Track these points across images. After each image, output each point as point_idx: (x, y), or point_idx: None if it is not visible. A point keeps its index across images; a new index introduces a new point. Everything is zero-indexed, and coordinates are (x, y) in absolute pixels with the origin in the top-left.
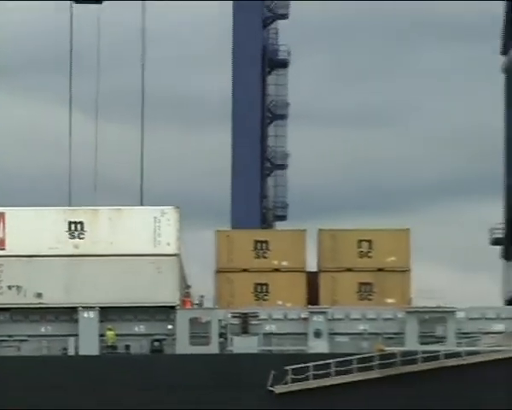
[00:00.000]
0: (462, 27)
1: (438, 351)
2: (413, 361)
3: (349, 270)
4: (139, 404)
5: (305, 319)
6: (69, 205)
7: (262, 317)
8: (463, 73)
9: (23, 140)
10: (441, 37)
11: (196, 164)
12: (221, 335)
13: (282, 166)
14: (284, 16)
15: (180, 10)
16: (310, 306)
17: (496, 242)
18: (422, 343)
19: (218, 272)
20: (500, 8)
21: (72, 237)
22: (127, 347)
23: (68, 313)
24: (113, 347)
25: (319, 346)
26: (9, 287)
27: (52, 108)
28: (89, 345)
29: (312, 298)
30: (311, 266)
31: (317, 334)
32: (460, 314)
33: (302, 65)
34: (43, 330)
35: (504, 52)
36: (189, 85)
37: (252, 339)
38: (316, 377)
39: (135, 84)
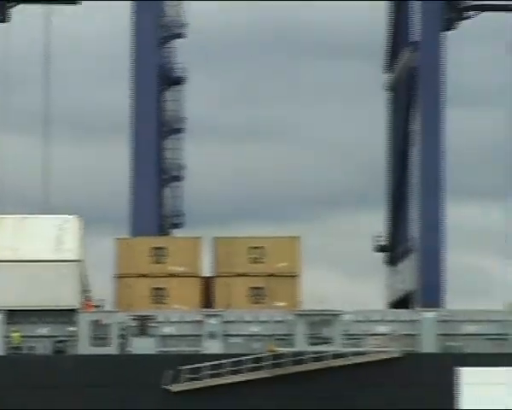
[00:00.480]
0: (350, 46)
1: (325, 352)
2: (302, 361)
3: (242, 275)
4: (43, 403)
5: (200, 321)
6: None
7: (159, 319)
8: (349, 90)
9: None
10: (331, 54)
11: (98, 174)
12: (121, 336)
13: (179, 177)
14: (180, 35)
15: (87, 26)
16: (205, 309)
17: (379, 249)
18: (311, 344)
19: (118, 277)
20: (383, 28)
21: None
22: (31, 348)
23: None
24: (18, 348)
25: (214, 347)
26: None
27: None
28: None
29: (208, 302)
30: (207, 271)
31: (212, 335)
32: (346, 317)
33: (199, 81)
34: None
35: (387, 70)
36: (92, 99)
37: (149, 340)
38: (210, 376)
39: (39, 99)
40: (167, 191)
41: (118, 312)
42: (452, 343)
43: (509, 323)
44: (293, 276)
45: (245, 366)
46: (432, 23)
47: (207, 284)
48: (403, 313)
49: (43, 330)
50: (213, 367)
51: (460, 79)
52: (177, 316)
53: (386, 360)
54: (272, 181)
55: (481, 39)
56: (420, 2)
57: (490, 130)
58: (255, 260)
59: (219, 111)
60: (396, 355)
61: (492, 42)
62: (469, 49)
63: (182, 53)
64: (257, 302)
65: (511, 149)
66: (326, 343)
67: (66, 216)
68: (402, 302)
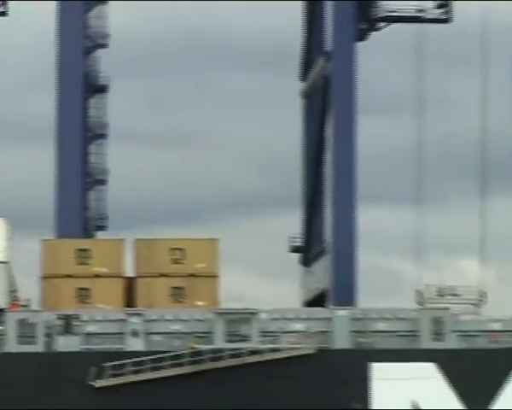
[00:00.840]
0: (268, 55)
1: (242, 348)
2: (220, 358)
3: (163, 275)
4: None
5: (123, 320)
6: None
7: (84, 318)
8: (266, 98)
9: None
10: (248, 65)
11: (25, 178)
12: (46, 335)
13: (103, 181)
14: (104, 45)
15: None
16: (128, 308)
17: (294, 249)
18: (229, 341)
19: (44, 277)
20: (299, 39)
21: None
22: None
23: None
24: None
25: (136, 344)
26: None
27: None
28: None
29: (131, 301)
30: (130, 272)
31: (134, 334)
32: (263, 315)
33: (122, 89)
34: None
35: (303, 79)
36: (19, 106)
37: (74, 338)
38: (133, 372)
39: None
40: (91, 195)
41: (44, 311)
42: (364, 340)
43: (417, 320)
44: (212, 276)
45: (166, 363)
46: (344, 34)
47: (130, 284)
48: (317, 312)
49: None
50: (136, 364)
51: (372, 87)
52: (101, 315)
53: (301, 356)
54: (193, 185)
55: (391, 49)
56: (333, 13)
57: (400, 136)
58: (176, 261)
59: (141, 117)
60: (310, 352)
61: (401, 52)
62: (380, 59)
63: (105, 62)
64: (177, 301)
65: (420, 155)
66: (244, 341)
67: None
68: (316, 301)
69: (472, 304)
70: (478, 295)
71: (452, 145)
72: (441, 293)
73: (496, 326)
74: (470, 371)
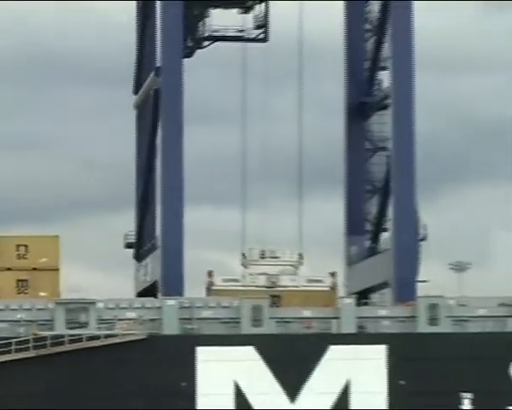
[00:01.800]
0: (107, 70)
1: (81, 334)
2: (61, 343)
3: (9, 269)
4: None
5: None
6: None
7: None
8: (106, 109)
9: None
10: (90, 78)
11: None
12: None
13: None
14: None
15: None
16: None
17: (128, 245)
18: (69, 328)
19: None
20: (133, 55)
21: None
22: None
23: None
24: None
25: None
26: None
27: None
28: None
29: None
30: None
31: None
32: (99, 304)
33: None
34: None
35: (136, 92)
36: None
37: None
38: None
39: None
40: None
41: None
42: (191, 326)
43: (239, 308)
44: (53, 270)
45: (12, 348)
46: (172, 51)
47: None
48: (148, 301)
49: None
50: None
51: (201, 99)
52: None
53: (134, 341)
54: (38, 186)
55: (217, 65)
56: (162, 31)
57: (226, 144)
58: (20, 256)
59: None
60: (142, 337)
61: (226, 67)
62: (207, 74)
63: None
64: (22, 292)
65: (243, 161)
66: (82, 327)
67: None
68: (148, 292)
69: (291, 265)
70: (296, 258)
71: (273, 152)
72: (263, 255)
73: (308, 314)
74: (285, 353)
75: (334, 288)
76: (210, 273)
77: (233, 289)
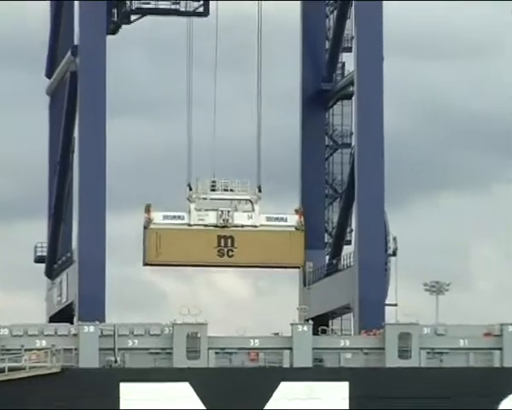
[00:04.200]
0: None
1: None
2: None
3: None
4: None
5: None
6: None
7: None
8: (13, 97)
9: None
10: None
11: None
12: None
13: None
14: None
15: None
16: None
17: (39, 259)
18: None
19: None
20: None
21: None
22: None
23: None
24: None
25: None
26: None
27: None
28: None
29: None
30: None
31: None
32: (3, 331)
33: None
34: None
35: (49, 75)
36: None
37: None
38: None
39: None
40: None
41: None
42: (113, 358)
43: (172, 337)
44: None
45: None
46: (93, 27)
47: None
48: (62, 327)
49: None
50: None
51: (126, 85)
52: None
53: (45, 375)
54: None
55: (147, 43)
56: (81, 4)
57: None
58: None
59: None
60: (55, 371)
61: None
62: (132, 54)
63: None
64: None
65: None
66: None
67: None
68: (63, 316)
69: (246, 200)
70: (253, 192)
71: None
72: (214, 188)
73: (255, 344)
74: (227, 391)
75: (299, 228)
76: (148, 208)
77: (175, 228)
